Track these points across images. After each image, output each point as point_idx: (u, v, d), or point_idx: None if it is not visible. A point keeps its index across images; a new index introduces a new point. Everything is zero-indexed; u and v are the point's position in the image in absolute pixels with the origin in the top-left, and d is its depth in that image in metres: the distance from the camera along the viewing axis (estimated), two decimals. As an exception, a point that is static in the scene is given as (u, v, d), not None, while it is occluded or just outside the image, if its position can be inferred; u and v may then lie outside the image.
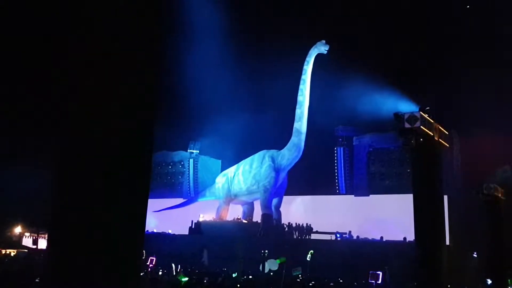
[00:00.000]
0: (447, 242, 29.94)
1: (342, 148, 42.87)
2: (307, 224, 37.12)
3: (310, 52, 36.66)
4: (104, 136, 6.13)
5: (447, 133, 28.72)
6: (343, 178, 42.54)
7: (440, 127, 26.14)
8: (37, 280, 16.20)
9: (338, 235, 35.28)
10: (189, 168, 49.14)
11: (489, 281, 25.40)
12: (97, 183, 5.98)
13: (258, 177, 38.42)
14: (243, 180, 39.78)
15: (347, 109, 33.82)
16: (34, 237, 42.82)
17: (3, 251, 35.95)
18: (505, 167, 32.50)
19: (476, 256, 33.47)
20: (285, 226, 38.09)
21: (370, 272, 22.12)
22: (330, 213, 38.66)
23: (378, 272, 21.91)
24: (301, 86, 36.87)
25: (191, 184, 49.06)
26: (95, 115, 6.19)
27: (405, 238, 31.18)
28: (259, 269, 26.57)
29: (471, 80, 32.88)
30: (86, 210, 5.89)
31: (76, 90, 6.39)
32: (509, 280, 24.53)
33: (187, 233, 40.79)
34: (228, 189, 40.98)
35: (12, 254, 35.51)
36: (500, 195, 26.95)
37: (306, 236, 36.73)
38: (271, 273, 24.57)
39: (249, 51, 40.90)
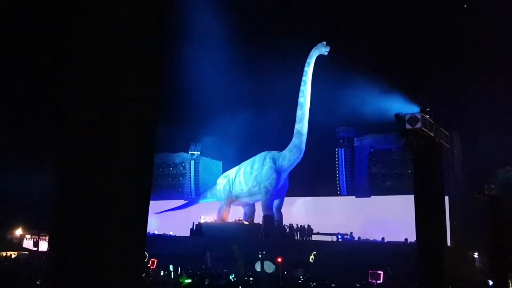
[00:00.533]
0: (448, 243, 30.08)
1: (343, 149, 42.85)
2: (308, 225, 37.11)
3: (310, 53, 36.70)
4: (105, 138, 6.13)
5: (448, 134, 28.79)
6: (344, 179, 42.53)
7: (441, 128, 26.18)
8: (38, 283, 16.23)
9: (339, 236, 35.25)
10: (190, 170, 49.18)
11: (490, 282, 25.33)
12: (99, 184, 5.98)
13: (259, 178, 38.41)
14: (244, 181, 39.79)
15: (348, 110, 33.84)
16: (35, 239, 42.85)
17: (4, 253, 35.95)
18: (506, 168, 32.46)
19: (477, 256, 33.47)
20: (286, 227, 38.08)
21: (370, 271, 21.85)
22: (331, 214, 38.67)
23: (379, 272, 21.70)
24: (302, 88, 36.89)
25: (192, 185, 49.09)
26: (96, 117, 6.19)
27: (406, 239, 31.16)
28: (256, 269, 26.40)
29: (472, 81, 32.90)
30: (87, 212, 5.90)
31: (77, 91, 6.39)
32: (510, 281, 24.47)
33: (188, 234, 40.78)
34: (229, 190, 41.00)
35: (13, 256, 35.53)
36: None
37: (306, 237, 36.70)
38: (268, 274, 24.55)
39: (250, 52, 40.95)
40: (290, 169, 38.12)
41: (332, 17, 38.31)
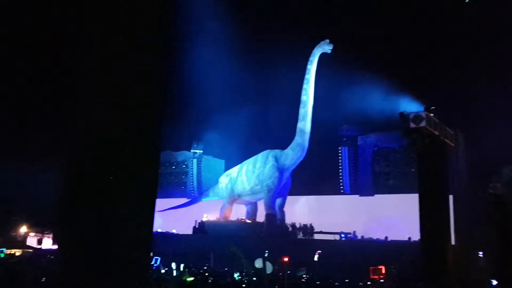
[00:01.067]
0: (453, 242, 29.94)
1: (346, 148, 42.76)
2: (310, 224, 37.03)
3: (313, 51, 36.53)
4: (112, 137, 6.10)
5: (452, 132, 28.68)
6: (347, 178, 42.45)
7: (445, 126, 26.08)
8: (43, 280, 16.23)
9: (342, 235, 35.16)
10: (192, 168, 49.17)
11: (494, 282, 25.21)
12: (105, 183, 5.95)
13: (262, 177, 38.34)
14: (247, 180, 39.73)
15: (352, 108, 33.71)
16: (39, 237, 42.88)
17: (8, 251, 35.97)
18: (511, 166, 32.30)
19: (481, 256, 33.31)
20: (288, 226, 37.98)
21: (371, 268, 21.39)
22: (334, 213, 38.56)
23: (380, 266, 21.26)
24: (304, 86, 36.73)
25: (195, 184, 49.13)
26: (103, 116, 6.16)
27: (409, 238, 31.07)
28: (256, 266, 26.13)
29: (476, 79, 32.71)
30: (94, 210, 5.86)
31: (84, 91, 6.38)
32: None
33: (191, 232, 40.77)
34: (231, 189, 40.96)
35: (17, 254, 35.54)
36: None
37: (309, 236, 36.63)
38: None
39: (253, 49, 40.81)
40: (293, 167, 38.00)
41: (337, 14, 38.12)
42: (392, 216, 34.88)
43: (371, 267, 21.63)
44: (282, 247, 29.92)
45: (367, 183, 40.78)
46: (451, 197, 28.31)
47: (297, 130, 37.03)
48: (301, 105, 36.81)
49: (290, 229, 37.66)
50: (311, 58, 36.67)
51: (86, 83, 6.34)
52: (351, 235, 35.50)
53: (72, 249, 5.94)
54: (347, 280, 23.00)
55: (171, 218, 42.67)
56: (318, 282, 21.10)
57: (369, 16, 37.08)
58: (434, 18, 35.73)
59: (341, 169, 42.78)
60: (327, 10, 38.49)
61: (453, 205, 29.50)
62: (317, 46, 36.38)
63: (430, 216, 22.52)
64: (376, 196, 39.64)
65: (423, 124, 23.17)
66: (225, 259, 29.80)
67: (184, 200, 47.04)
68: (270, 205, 37.69)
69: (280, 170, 37.78)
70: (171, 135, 41.96)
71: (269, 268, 23.79)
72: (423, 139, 23.68)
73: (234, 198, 41.16)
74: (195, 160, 49.06)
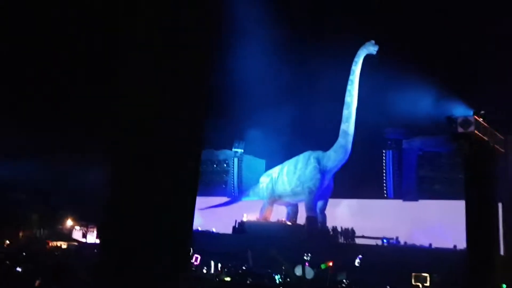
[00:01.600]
0: (501, 252, 28.77)
1: (391, 151, 41.93)
2: (352, 228, 36.44)
3: (358, 52, 35.92)
4: (156, 135, 6.14)
5: (502, 138, 27.54)
6: (391, 182, 41.61)
7: (495, 131, 25.07)
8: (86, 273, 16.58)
9: (384, 240, 34.44)
10: (233, 167, 49.38)
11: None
12: (149, 181, 5.99)
13: (303, 178, 38.03)
14: (288, 180, 39.50)
15: (397, 110, 32.93)
16: (84, 231, 44.18)
17: (54, 243, 37.25)
18: None
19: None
20: (329, 229, 37.48)
21: (414, 274, 20.98)
22: (377, 217, 37.75)
23: (425, 274, 20.85)
24: (349, 87, 36.19)
25: (235, 183, 49.30)
26: (148, 115, 6.21)
27: (455, 246, 30.08)
28: (296, 274, 25.74)
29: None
30: (138, 207, 5.92)
31: (128, 90, 6.45)
32: None
33: (230, 232, 40.90)
34: (272, 189, 40.82)
35: (63, 246, 36.75)
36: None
37: (350, 240, 36.04)
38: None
39: (297, 47, 40.55)
40: (335, 170, 37.45)
41: (386, 16, 37.43)
42: (436, 223, 33.87)
43: (413, 273, 21.11)
44: (323, 251, 29.58)
45: (412, 187, 39.83)
46: (500, 205, 27.24)
47: (340, 131, 36.50)
48: (345, 107, 36.26)
49: (331, 232, 37.14)
50: (355, 59, 36.08)
51: (130, 83, 6.40)
52: (393, 241, 34.71)
53: (114, 243, 6.02)
54: (388, 287, 22.52)
55: (211, 217, 42.93)
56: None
57: (417, 16, 36.20)
58: (485, 18, 34.51)
59: (385, 172, 41.94)
60: (375, 10, 37.82)
61: (502, 214, 28.37)
62: (362, 47, 35.73)
63: (478, 224, 21.69)
64: (421, 201, 38.62)
65: (471, 129, 22.35)
66: (264, 260, 29.74)
67: (224, 199, 47.25)
68: (311, 208, 37.33)
69: (322, 172, 37.35)
70: (212, 134, 42.27)
71: (310, 274, 23.50)
72: (471, 144, 22.84)
73: (274, 198, 41.01)
74: (236, 159, 49.26)
